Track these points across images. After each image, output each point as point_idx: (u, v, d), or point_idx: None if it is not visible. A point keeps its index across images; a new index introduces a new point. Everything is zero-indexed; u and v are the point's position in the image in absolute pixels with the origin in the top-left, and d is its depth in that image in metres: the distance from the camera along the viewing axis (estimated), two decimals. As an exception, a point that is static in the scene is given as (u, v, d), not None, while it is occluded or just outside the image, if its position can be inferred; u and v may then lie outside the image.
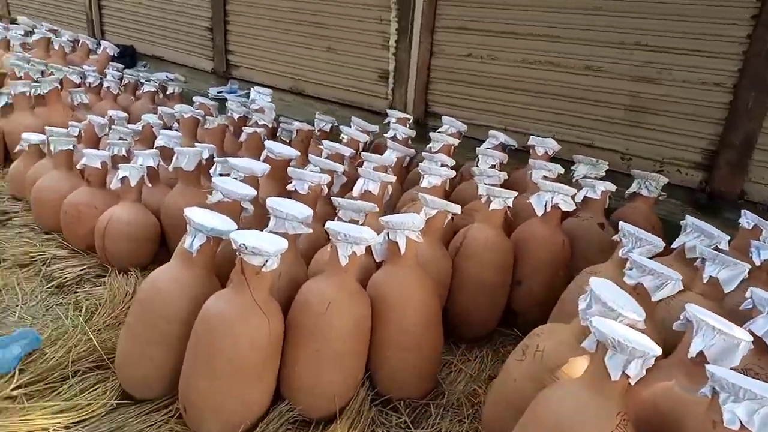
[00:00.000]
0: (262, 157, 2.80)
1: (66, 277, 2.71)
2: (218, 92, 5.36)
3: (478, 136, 3.72)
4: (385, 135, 3.47)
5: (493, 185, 2.60)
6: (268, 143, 2.79)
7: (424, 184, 2.61)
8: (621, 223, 2.11)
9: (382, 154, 3.40)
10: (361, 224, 2.17)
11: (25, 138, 3.42)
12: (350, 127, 3.54)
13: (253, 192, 2.25)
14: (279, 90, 5.20)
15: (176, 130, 3.86)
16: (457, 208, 2.29)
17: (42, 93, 4.07)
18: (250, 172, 2.47)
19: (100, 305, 2.50)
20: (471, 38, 3.86)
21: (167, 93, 5.10)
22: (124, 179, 2.78)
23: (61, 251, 2.92)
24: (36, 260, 2.84)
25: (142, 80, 5.15)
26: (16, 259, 2.85)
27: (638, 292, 1.82)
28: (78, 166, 2.96)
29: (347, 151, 2.98)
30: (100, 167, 2.91)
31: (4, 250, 2.92)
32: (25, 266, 2.83)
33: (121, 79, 5.12)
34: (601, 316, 1.52)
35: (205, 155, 3.03)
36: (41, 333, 2.35)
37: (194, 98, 4.71)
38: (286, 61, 5.06)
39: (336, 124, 3.87)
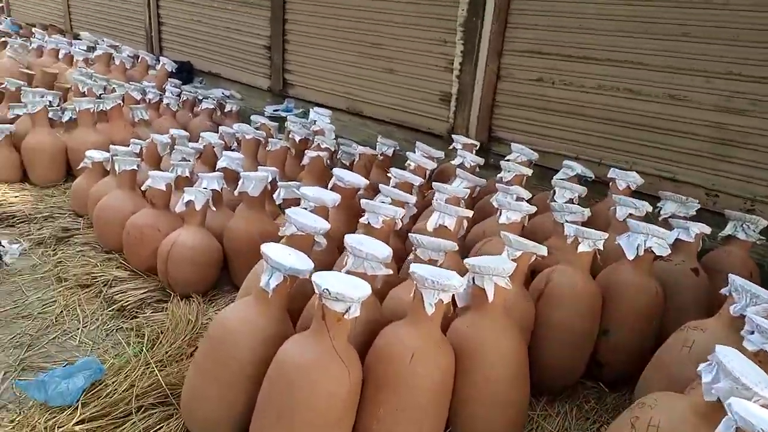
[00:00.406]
0: (330, 185, 2.70)
1: (127, 301, 2.65)
2: (274, 110, 5.34)
3: (545, 164, 3.56)
4: (451, 162, 3.33)
5: (577, 223, 2.43)
6: (337, 171, 2.69)
7: (502, 220, 2.45)
8: (731, 276, 1.91)
9: (446, 181, 3.27)
10: (440, 265, 2.03)
11: (89, 155, 3.42)
12: (414, 151, 3.42)
13: (326, 225, 2.13)
14: (335, 109, 5.12)
15: (237, 150, 3.82)
16: (543, 250, 2.13)
17: (105, 109, 4.10)
18: (321, 203, 2.37)
19: (161, 333, 2.42)
20: (542, 62, 3.70)
21: (225, 110, 5.10)
22: (189, 203, 2.72)
23: (122, 272, 2.87)
24: (97, 281, 2.80)
25: (200, 97, 5.17)
26: (77, 279, 2.82)
27: (760, 360, 1.62)
28: (143, 188, 2.92)
29: (416, 180, 2.85)
30: (164, 189, 2.85)
31: (67, 270, 2.89)
32: (86, 287, 2.79)
33: (179, 95, 5.16)
34: (734, 394, 1.33)
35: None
36: (102, 360, 2.29)
37: (252, 117, 4.70)
38: (343, 81, 4.99)
39: (399, 148, 3.76)
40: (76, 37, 7.00)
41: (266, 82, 5.65)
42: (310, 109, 4.41)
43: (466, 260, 1.89)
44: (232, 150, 3.86)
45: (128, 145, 3.70)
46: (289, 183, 2.96)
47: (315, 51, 5.13)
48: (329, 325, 1.63)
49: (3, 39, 6.64)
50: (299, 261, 1.85)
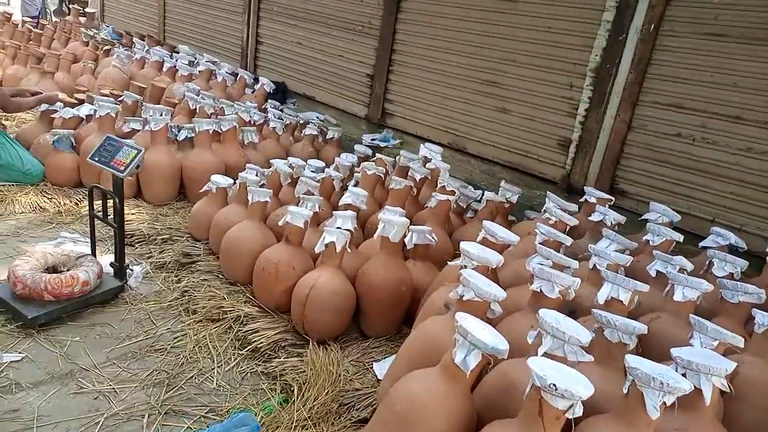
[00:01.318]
0: (478, 238, 2.56)
1: (261, 342, 2.56)
2: (372, 140, 5.27)
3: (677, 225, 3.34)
4: (590, 218, 3.15)
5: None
6: (488, 224, 2.55)
7: (677, 297, 2.25)
8: None
9: (577, 238, 3.10)
10: (630, 350, 1.85)
11: (214, 180, 3.39)
12: (547, 202, 3.25)
13: (503, 293, 1.99)
14: (435, 144, 5.02)
15: (356, 184, 3.74)
16: (740, 341, 1.92)
17: (221, 130, 4.09)
18: (485, 262, 2.22)
19: (303, 384, 2.31)
20: (684, 117, 3.50)
21: (326, 137, 5.06)
22: (329, 244, 2.62)
23: (251, 308, 2.79)
24: (227, 316, 2.72)
25: (301, 121, 5.15)
26: (207, 313, 2.75)
27: None
28: (280, 223, 2.84)
29: (567, 240, 2.68)
30: (302, 227, 2.77)
31: (195, 301, 2.83)
32: (215, 321, 2.72)
33: (280, 118, 5.15)
34: None
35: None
36: (243, 406, 2.19)
37: (356, 147, 4.63)
38: (448, 116, 4.88)
39: (522, 194, 3.60)
40: (173, 49, 7.14)
41: (364, 110, 5.60)
42: (421, 145, 4.30)
43: (676, 355, 1.71)
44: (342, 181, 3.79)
45: (242, 169, 3.69)
46: (422, 228, 2.85)
47: (420, 83, 5.04)
48: (547, 421, 1.47)
49: (107, 47, 6.84)
50: (493, 337, 1.71)
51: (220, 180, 3.41)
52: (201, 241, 3.41)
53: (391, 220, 2.68)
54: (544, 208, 3.23)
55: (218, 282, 3.01)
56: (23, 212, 3.56)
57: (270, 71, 6.59)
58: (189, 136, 4.09)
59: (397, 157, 4.13)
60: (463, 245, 2.29)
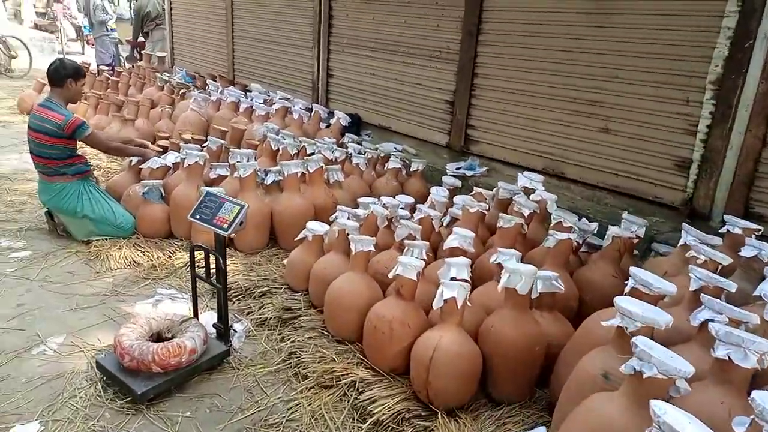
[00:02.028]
0: (627, 289, 2.22)
1: (382, 413, 2.30)
2: (457, 168, 5.00)
3: None
4: (740, 253, 2.73)
5: None
6: (640, 273, 2.20)
7: None
8: None
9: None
10: None
11: (310, 228, 3.21)
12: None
13: (692, 368, 1.64)
14: (527, 170, 4.70)
15: (451, 221, 3.47)
16: None
17: (309, 171, 3.93)
18: (653, 324, 1.89)
19: (439, 467, 2.03)
20: (836, 130, 3.04)
21: (410, 170, 4.83)
22: (450, 299, 2.35)
23: (364, 371, 2.54)
24: (341, 382, 2.49)
25: (382, 153, 4.95)
26: (318, 378, 2.53)
27: None
28: (390, 275, 2.60)
29: (731, 286, 2.29)
30: (416, 279, 2.52)
31: (305, 364, 2.61)
32: (329, 388, 2.49)
33: (360, 152, 4.97)
34: None
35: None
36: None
37: (444, 179, 4.37)
38: (540, 139, 4.55)
39: (647, 226, 3.22)
40: (245, 88, 7.17)
41: (445, 138, 5.35)
42: (519, 174, 3.99)
43: None
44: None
45: (331, 210, 3.51)
46: (548, 274, 2.53)
47: (506, 106, 4.75)
48: None
49: (182, 90, 6.94)
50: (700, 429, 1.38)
51: (317, 227, 3.22)
52: (300, 292, 3.22)
53: (518, 270, 2.38)
54: (681, 242, 2.85)
55: (325, 340, 2.79)
56: (118, 268, 3.50)
57: (343, 104, 6.47)
58: (276, 179, 3.96)
59: (496, 189, 3.84)
60: (621, 303, 1.96)
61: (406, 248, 2.86)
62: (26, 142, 5.84)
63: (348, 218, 3.51)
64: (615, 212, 3.89)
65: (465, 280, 2.49)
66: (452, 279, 2.49)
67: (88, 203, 3.73)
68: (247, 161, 3.91)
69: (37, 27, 16.15)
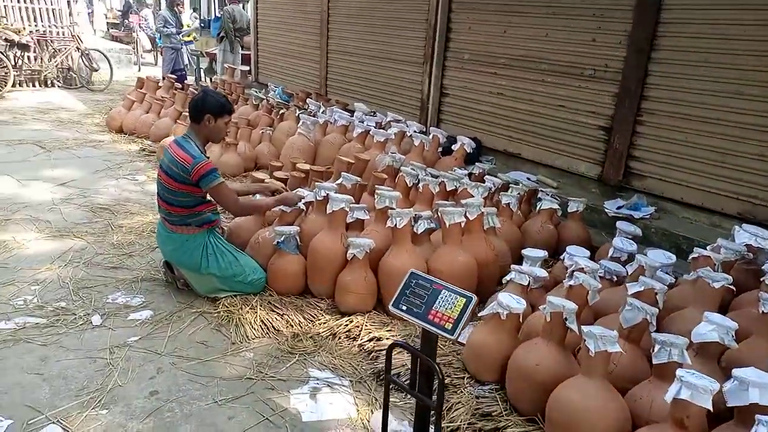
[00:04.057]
0: None
1: None
2: (618, 208, 4.24)
3: None
4: None
5: None
6: None
7: None
8: None
9: None
10: None
11: (505, 304, 2.52)
12: None
13: None
14: (716, 213, 3.90)
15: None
16: None
17: (469, 218, 3.26)
18: None
19: None
20: None
21: (569, 210, 4.08)
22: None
23: None
24: None
25: (525, 187, 4.24)
26: None
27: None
28: (667, 398, 1.88)
29: None
30: (708, 406, 1.79)
31: None
32: None
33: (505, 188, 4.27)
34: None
35: None
36: None
37: (619, 225, 3.63)
38: (735, 178, 3.76)
39: None
40: (345, 107, 6.61)
41: (595, 169, 4.60)
42: (735, 227, 3.20)
43: None
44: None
45: (494, 269, 2.84)
46: None
47: (688, 136, 3.96)
48: None
49: (282, 110, 6.43)
50: None
51: (510, 302, 2.54)
52: (489, 384, 2.55)
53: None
54: None
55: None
56: (256, 337, 2.91)
57: (457, 126, 5.80)
58: (428, 227, 3.31)
59: (711, 247, 3.07)
60: None
61: (658, 346, 2.14)
62: (121, 166, 5.48)
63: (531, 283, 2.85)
64: None
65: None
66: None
67: (214, 259, 3.18)
68: (392, 202, 3.30)
69: (113, 38, 16.29)
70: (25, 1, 10.23)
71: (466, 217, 3.25)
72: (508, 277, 2.95)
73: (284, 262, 3.26)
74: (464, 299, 1.85)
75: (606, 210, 4.23)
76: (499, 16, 5.18)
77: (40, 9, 10.36)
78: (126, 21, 17.59)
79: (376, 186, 3.77)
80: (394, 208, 3.30)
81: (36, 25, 10.29)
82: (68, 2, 10.77)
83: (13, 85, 9.31)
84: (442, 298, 1.88)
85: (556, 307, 2.33)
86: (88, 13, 18.89)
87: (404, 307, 1.92)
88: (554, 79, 4.80)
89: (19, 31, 9.55)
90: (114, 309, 3.10)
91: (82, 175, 5.34)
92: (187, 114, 3.27)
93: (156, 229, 3.38)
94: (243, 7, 11.12)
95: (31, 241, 3.85)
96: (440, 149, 5.38)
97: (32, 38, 9.70)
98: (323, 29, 7.58)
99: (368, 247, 3.08)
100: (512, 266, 3.02)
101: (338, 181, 3.77)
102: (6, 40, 9.16)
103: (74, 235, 3.99)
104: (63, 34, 10.50)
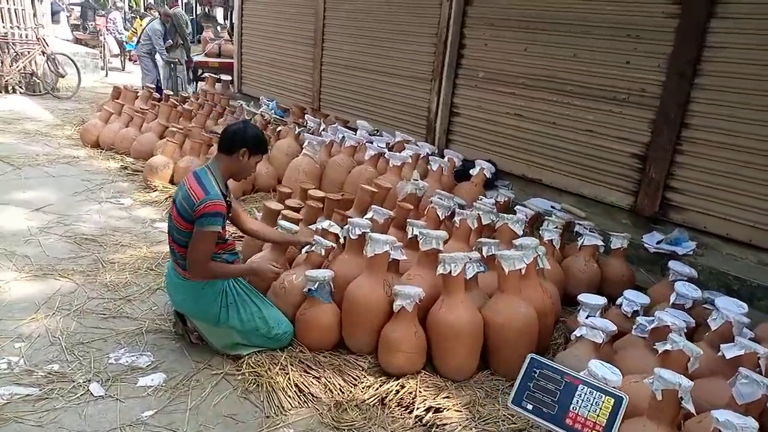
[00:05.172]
0: None
1: None
2: (658, 243, 3.97)
3: None
4: None
5: None
6: None
7: None
8: None
9: None
10: None
11: (603, 376, 2.17)
12: None
13: None
14: (763, 251, 3.68)
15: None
16: None
17: (525, 264, 2.91)
18: None
19: None
20: None
21: (612, 247, 3.78)
22: None
23: None
24: None
25: (579, 226, 3.93)
26: None
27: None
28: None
29: None
30: None
31: None
32: None
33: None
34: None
35: None
36: None
37: (671, 265, 3.36)
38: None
39: None
40: (346, 125, 6.20)
41: (627, 200, 4.33)
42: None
43: None
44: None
45: (551, 317, 2.51)
46: None
47: (737, 169, 3.72)
48: None
49: (279, 128, 5.98)
50: None
51: (606, 373, 2.19)
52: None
53: None
54: None
55: None
56: (292, 408, 2.48)
57: (468, 147, 5.47)
58: (479, 271, 2.95)
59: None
60: None
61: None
62: (102, 187, 4.94)
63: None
64: None
65: None
66: None
67: (234, 310, 2.73)
68: (439, 243, 2.93)
69: (77, 41, 15.39)
70: (-16, 1, 9.46)
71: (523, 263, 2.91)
72: (577, 333, 2.62)
73: (317, 313, 2.84)
74: (612, 399, 1.50)
75: (645, 245, 3.96)
76: (520, 33, 4.89)
77: (1, 9, 9.59)
78: (90, 23, 16.71)
79: (409, 221, 3.40)
80: (441, 250, 2.93)
81: (-4, 27, 9.51)
82: (32, 2, 10.02)
83: (-29, 91, 8.55)
84: (580, 396, 1.53)
85: (669, 383, 1.99)
86: (67, 16, 17.89)
87: (530, 406, 1.56)
88: (582, 102, 4.53)
89: (-22, 33, 8.79)
90: (118, 372, 2.62)
91: (59, 198, 4.77)
92: (218, 143, 2.78)
93: (166, 273, 2.91)
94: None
95: (9, 282, 3.31)
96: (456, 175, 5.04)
97: (-9, 40, 8.95)
98: (317, 39, 7.17)
99: (418, 298, 2.70)
100: (581, 320, 2.70)
101: (369, 215, 3.38)
102: (-36, 42, 8.41)
103: (59, 273, 3.47)
104: (26, 37, 9.74)
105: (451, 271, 2.71)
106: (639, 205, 4.26)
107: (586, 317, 2.92)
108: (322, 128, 5.79)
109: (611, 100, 4.34)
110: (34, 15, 10.02)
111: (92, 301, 3.20)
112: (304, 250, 3.18)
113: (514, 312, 2.74)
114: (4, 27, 9.53)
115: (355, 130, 5.73)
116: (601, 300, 2.97)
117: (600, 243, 3.67)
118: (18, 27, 9.70)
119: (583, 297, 2.99)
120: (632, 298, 3.07)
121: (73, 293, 3.27)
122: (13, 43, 9.38)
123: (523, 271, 2.81)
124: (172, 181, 5.23)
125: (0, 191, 4.80)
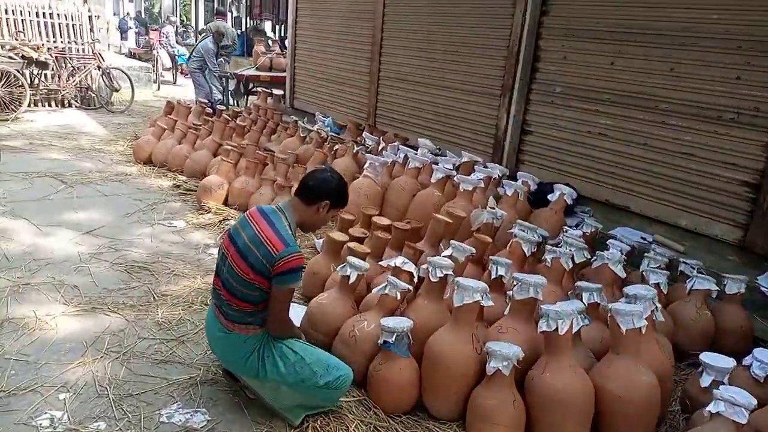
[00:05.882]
0: None
1: None
2: (777, 285, 3.44)
3: None
4: None
5: None
6: None
7: None
8: None
9: None
10: None
11: None
12: None
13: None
14: None
15: None
16: None
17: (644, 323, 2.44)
18: None
19: None
20: None
21: (726, 292, 3.27)
22: None
23: None
24: None
25: (684, 265, 3.43)
26: None
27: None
28: None
29: None
30: None
31: None
32: None
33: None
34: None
35: None
36: None
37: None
38: None
39: None
40: (406, 142, 5.85)
41: (735, 233, 3.81)
42: None
43: None
44: None
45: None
46: None
47: None
48: None
49: (336, 146, 5.67)
50: None
51: None
52: None
53: None
54: None
55: None
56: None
57: (542, 169, 5.02)
58: (583, 324, 2.51)
59: None
60: None
61: None
62: (155, 207, 4.70)
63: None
64: None
65: None
66: None
67: (272, 363, 2.33)
68: (537, 292, 2.50)
69: (132, 55, 15.67)
70: (44, 16, 9.58)
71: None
72: (712, 409, 2.15)
73: (394, 370, 2.45)
74: None
75: (762, 288, 3.43)
76: (605, 45, 4.43)
77: (60, 24, 9.71)
78: (143, 37, 17.02)
79: (492, 258, 2.99)
80: (540, 299, 2.51)
81: (55, 42, 9.62)
82: (90, 18, 10.12)
83: (29, 105, 8.61)
84: None
85: None
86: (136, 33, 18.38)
87: None
88: (679, 122, 4.03)
89: (38, 48, 8.86)
90: (172, 435, 2.29)
91: (110, 220, 4.57)
92: (298, 188, 2.45)
93: (205, 321, 2.57)
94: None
95: (57, 318, 3.06)
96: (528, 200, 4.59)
97: (51, 55, 9.01)
98: (374, 53, 6.86)
99: (516, 359, 2.28)
100: (717, 393, 2.21)
101: (448, 252, 2.98)
102: (24, 57, 8.47)
103: (109, 308, 3.20)
104: (83, 51, 9.82)
105: (557, 328, 2.28)
106: (749, 240, 3.72)
107: (710, 383, 2.47)
108: (381, 147, 5.45)
109: (715, 120, 3.83)
110: (91, 30, 10.10)
111: (143, 342, 2.91)
112: (375, 290, 2.81)
113: (634, 382, 2.28)
114: (62, 42, 9.65)
115: (415, 148, 5.36)
116: (730, 362, 2.50)
117: (714, 288, 3.17)
118: (75, 42, 9.81)
119: (706, 357, 2.53)
120: (763, 359, 2.58)
121: (122, 331, 2.99)
122: (71, 58, 9.46)
123: (643, 330, 2.35)
124: (226, 202, 4.98)
125: (53, 211, 4.64)
